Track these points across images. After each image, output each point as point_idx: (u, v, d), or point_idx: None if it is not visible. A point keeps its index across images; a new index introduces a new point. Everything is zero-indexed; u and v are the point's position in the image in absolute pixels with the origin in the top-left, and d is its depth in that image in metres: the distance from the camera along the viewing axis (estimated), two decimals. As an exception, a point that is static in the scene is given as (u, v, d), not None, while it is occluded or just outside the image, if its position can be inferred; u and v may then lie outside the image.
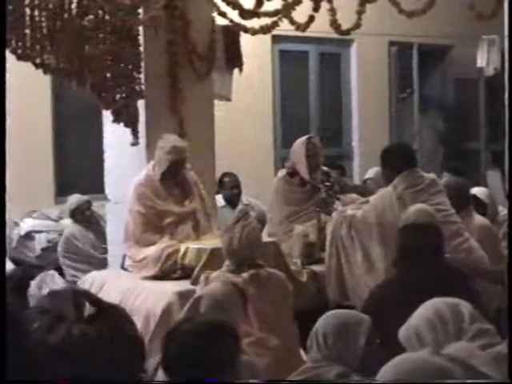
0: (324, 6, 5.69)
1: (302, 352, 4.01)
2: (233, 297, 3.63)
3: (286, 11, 5.61)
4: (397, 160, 5.04)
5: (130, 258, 5.15)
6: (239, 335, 2.77)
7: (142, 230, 5.11)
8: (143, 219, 5.11)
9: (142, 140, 5.46)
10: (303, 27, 5.80)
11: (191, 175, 5.33)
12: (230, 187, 7.08)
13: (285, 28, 5.93)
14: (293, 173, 5.89)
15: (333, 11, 5.73)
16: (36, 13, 4.80)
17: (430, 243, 4.11)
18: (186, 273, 4.84)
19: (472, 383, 2.38)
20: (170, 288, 4.71)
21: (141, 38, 5.36)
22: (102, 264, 6.20)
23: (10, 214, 6.04)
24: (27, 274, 4.23)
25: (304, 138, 5.93)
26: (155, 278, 4.95)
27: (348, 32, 5.91)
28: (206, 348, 2.59)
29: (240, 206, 4.74)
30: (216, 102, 6.14)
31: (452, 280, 3.96)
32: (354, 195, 6.69)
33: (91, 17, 4.96)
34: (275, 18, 5.67)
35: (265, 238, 5.12)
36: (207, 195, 5.42)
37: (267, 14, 5.62)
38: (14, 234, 7.11)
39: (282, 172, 6.05)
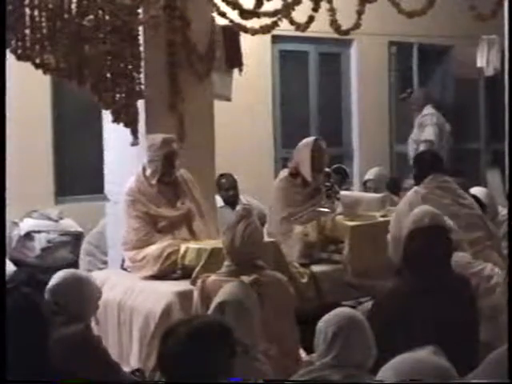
0: (324, 6, 5.70)
1: (302, 354, 3.99)
2: (255, 299, 3.55)
3: (285, 11, 5.61)
4: (426, 164, 5.37)
5: (130, 259, 5.13)
6: (234, 337, 2.74)
7: (140, 232, 5.09)
8: (139, 223, 5.09)
9: (142, 140, 5.46)
10: (303, 27, 5.81)
11: (182, 173, 5.30)
12: (226, 188, 7.10)
13: (285, 28, 5.94)
14: (295, 173, 5.88)
15: (333, 11, 5.74)
16: (36, 13, 4.79)
17: (444, 247, 3.87)
18: (185, 273, 4.83)
19: (472, 383, 2.38)
20: (170, 288, 4.71)
21: (141, 38, 5.35)
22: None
23: (9, 214, 6.01)
24: (32, 275, 4.18)
25: (310, 139, 5.92)
26: (155, 277, 4.95)
27: (348, 32, 5.92)
28: (202, 349, 2.59)
29: (240, 206, 4.72)
30: (216, 102, 6.14)
31: (457, 288, 3.81)
32: (355, 193, 6.70)
33: (91, 17, 4.96)
34: (275, 18, 5.68)
35: (265, 237, 5.11)
36: (204, 195, 5.40)
37: (267, 14, 5.63)
38: (13, 234, 7.09)
39: (284, 172, 6.04)
